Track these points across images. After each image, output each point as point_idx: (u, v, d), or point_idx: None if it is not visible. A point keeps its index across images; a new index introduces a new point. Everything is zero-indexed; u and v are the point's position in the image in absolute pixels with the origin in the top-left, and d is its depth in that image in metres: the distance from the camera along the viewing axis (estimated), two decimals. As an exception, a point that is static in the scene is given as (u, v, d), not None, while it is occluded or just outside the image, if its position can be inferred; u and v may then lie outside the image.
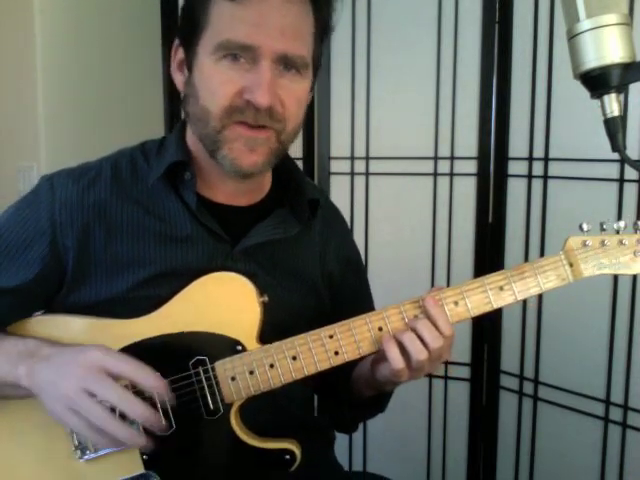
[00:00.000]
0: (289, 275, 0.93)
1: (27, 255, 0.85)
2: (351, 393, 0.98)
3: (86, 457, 0.84)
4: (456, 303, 0.82)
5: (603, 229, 0.82)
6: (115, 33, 2.05)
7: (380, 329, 0.82)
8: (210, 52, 0.79)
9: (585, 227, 0.82)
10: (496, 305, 0.82)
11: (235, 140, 0.81)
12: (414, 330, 0.80)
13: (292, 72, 0.81)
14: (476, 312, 0.82)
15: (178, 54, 0.86)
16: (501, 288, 0.82)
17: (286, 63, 0.79)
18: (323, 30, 0.85)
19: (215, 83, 0.79)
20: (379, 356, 0.84)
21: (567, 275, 0.82)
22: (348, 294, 1.02)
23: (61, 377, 0.75)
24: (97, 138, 1.98)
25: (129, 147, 0.93)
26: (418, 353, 0.79)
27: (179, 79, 0.87)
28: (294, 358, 0.82)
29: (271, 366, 0.82)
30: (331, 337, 0.82)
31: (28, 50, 1.84)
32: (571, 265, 0.82)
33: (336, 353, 0.82)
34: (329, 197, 1.06)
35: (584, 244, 0.82)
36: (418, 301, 0.82)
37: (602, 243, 0.82)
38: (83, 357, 0.76)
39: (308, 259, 0.96)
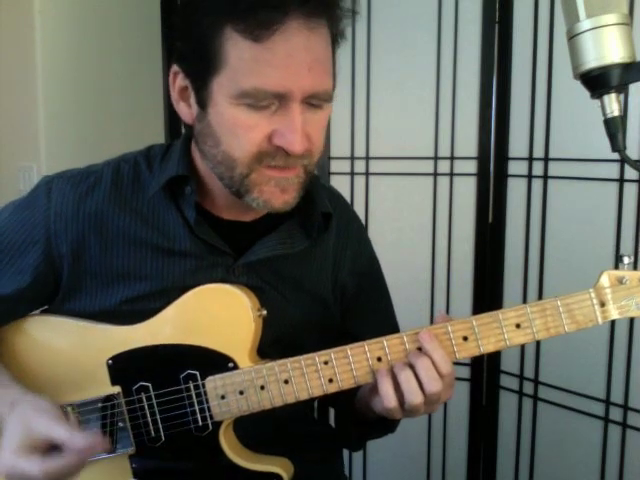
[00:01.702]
0: (296, 289, 0.89)
1: (21, 261, 0.84)
2: (355, 411, 0.91)
3: None
4: (465, 338, 0.75)
5: None
6: (115, 33, 2.05)
7: (379, 359, 0.76)
8: (232, 96, 0.72)
9: (626, 260, 0.72)
10: (511, 344, 0.75)
11: (266, 183, 0.76)
12: (412, 367, 0.74)
13: (317, 107, 0.76)
14: (488, 350, 0.75)
15: (178, 81, 0.79)
16: (518, 325, 0.74)
17: (313, 100, 0.75)
18: (337, 42, 0.80)
19: (240, 129, 0.74)
20: (374, 387, 0.78)
21: (596, 316, 0.73)
22: (364, 306, 0.98)
23: None
24: (97, 138, 1.98)
25: (134, 151, 0.90)
26: (413, 395, 0.73)
27: (184, 110, 0.80)
28: (286, 382, 0.78)
29: (262, 388, 0.79)
30: (326, 363, 0.77)
31: (28, 50, 1.84)
32: (602, 304, 0.72)
33: (330, 380, 0.78)
34: (345, 200, 1.01)
35: (621, 281, 0.72)
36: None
37: None
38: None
39: (318, 272, 0.92)
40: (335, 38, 0.78)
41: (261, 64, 0.71)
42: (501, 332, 0.75)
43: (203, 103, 0.76)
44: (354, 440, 0.98)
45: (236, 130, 0.74)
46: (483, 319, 0.75)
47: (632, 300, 0.72)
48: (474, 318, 0.75)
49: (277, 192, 0.77)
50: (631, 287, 0.72)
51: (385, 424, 0.88)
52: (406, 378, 0.74)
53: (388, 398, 0.74)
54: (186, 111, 0.80)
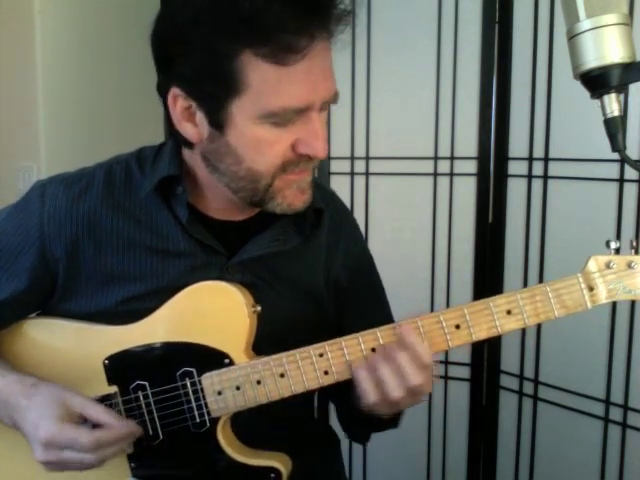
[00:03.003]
0: (289, 286, 0.90)
1: (16, 265, 0.84)
2: (355, 407, 0.90)
3: None
4: (458, 326, 0.76)
5: (633, 247, 0.72)
6: (115, 33, 2.05)
7: (373, 350, 0.77)
8: (256, 116, 0.73)
9: (613, 245, 0.73)
10: (502, 330, 0.75)
11: (287, 187, 0.79)
12: (393, 360, 0.74)
13: (324, 108, 0.78)
14: (480, 337, 0.76)
15: (179, 104, 0.77)
16: (509, 312, 0.75)
17: (325, 104, 0.77)
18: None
19: (264, 145, 0.75)
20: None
21: (584, 301, 0.74)
22: (357, 301, 0.98)
23: (31, 447, 0.78)
24: (97, 138, 1.98)
25: (125, 153, 0.91)
26: (394, 390, 0.74)
27: (190, 130, 0.79)
28: (282, 375, 0.79)
29: (258, 382, 0.79)
30: (321, 355, 0.78)
31: (28, 50, 1.84)
32: (591, 289, 0.73)
33: (326, 372, 0.78)
34: (338, 197, 1.02)
35: (608, 265, 0.73)
36: (416, 321, 0.76)
37: (629, 265, 0.72)
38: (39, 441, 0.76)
39: (311, 268, 0.92)
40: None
41: (285, 84, 0.72)
42: (492, 319, 0.75)
43: (219, 124, 0.75)
44: (359, 434, 0.99)
45: (261, 147, 0.76)
46: (474, 307, 0.76)
47: (620, 284, 0.73)
48: (465, 306, 0.76)
49: (298, 194, 0.80)
50: (619, 271, 0.73)
51: (384, 419, 0.87)
52: (388, 372, 0.74)
53: (367, 394, 0.75)
54: (193, 131, 0.79)
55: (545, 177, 1.62)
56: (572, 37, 0.72)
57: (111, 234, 0.84)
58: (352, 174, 1.85)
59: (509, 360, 1.75)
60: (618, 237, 1.50)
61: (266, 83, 0.72)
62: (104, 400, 0.84)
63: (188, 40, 0.73)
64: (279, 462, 0.84)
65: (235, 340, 0.81)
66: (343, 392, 0.89)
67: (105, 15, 2.03)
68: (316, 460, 0.96)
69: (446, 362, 1.83)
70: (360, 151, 1.84)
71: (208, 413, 0.82)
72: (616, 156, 0.75)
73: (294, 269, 0.91)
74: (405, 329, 0.76)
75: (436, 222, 1.79)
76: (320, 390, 0.83)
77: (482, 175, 1.72)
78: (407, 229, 1.82)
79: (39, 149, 1.86)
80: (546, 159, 1.62)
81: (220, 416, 0.82)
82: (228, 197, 0.83)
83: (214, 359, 0.81)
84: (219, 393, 0.81)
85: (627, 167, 1.46)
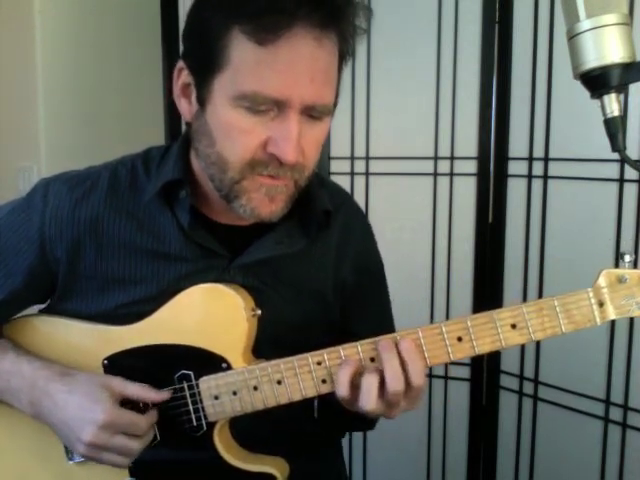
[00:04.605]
0: (294, 289, 0.89)
1: (15, 263, 0.84)
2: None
3: (75, 459, 0.85)
4: (460, 339, 0.74)
5: None
6: (115, 33, 2.05)
7: (372, 359, 0.75)
8: (231, 97, 0.72)
9: (628, 258, 0.70)
10: (506, 345, 0.73)
11: (255, 190, 0.76)
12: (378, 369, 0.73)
13: (316, 119, 0.76)
14: (483, 350, 0.73)
15: (182, 77, 0.79)
16: (514, 326, 0.72)
17: (312, 112, 0.74)
18: (345, 59, 0.79)
19: (235, 132, 0.74)
20: None
21: (594, 317, 0.71)
22: (362, 304, 0.97)
23: (74, 430, 0.78)
24: (97, 138, 1.98)
25: (133, 154, 0.90)
26: (366, 394, 0.72)
27: (184, 106, 0.80)
28: (279, 382, 0.78)
29: (255, 388, 0.79)
30: (319, 364, 0.76)
31: (28, 50, 1.84)
32: (601, 304, 0.71)
33: (323, 381, 0.77)
34: (351, 196, 1.00)
35: (620, 280, 0.70)
36: (417, 332, 0.75)
37: None
38: (91, 418, 0.77)
39: (319, 270, 0.91)
40: (343, 54, 0.78)
41: (263, 68, 0.70)
42: (496, 332, 0.73)
43: (202, 101, 0.76)
44: (335, 430, 0.99)
45: (232, 133, 0.74)
46: (478, 319, 0.73)
47: (632, 300, 0.70)
48: (469, 318, 0.73)
49: (266, 201, 0.77)
50: (631, 286, 0.70)
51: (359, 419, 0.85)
52: (367, 379, 0.73)
53: (342, 388, 0.74)
54: (186, 108, 0.80)
55: (545, 177, 1.62)
56: (572, 37, 0.72)
57: (113, 238, 0.84)
58: (352, 174, 1.85)
59: (509, 360, 1.75)
60: (618, 237, 1.51)
61: (245, 62, 0.71)
62: None
63: (192, 13, 0.77)
64: (275, 468, 0.83)
65: (233, 344, 0.80)
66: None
67: (104, 15, 2.03)
68: (316, 459, 0.96)
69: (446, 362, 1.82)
70: (360, 151, 1.84)
71: (205, 417, 0.81)
72: (616, 156, 0.75)
73: (299, 272, 0.89)
74: (383, 344, 0.74)
75: (436, 222, 1.79)
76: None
77: (482, 175, 1.72)
78: (407, 229, 1.82)
79: (39, 149, 1.87)
80: (546, 159, 1.62)
81: (217, 420, 0.82)
82: None
83: (212, 363, 0.80)
84: (216, 397, 0.80)
85: (627, 167, 1.46)
